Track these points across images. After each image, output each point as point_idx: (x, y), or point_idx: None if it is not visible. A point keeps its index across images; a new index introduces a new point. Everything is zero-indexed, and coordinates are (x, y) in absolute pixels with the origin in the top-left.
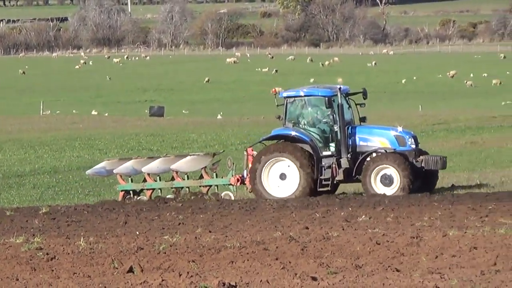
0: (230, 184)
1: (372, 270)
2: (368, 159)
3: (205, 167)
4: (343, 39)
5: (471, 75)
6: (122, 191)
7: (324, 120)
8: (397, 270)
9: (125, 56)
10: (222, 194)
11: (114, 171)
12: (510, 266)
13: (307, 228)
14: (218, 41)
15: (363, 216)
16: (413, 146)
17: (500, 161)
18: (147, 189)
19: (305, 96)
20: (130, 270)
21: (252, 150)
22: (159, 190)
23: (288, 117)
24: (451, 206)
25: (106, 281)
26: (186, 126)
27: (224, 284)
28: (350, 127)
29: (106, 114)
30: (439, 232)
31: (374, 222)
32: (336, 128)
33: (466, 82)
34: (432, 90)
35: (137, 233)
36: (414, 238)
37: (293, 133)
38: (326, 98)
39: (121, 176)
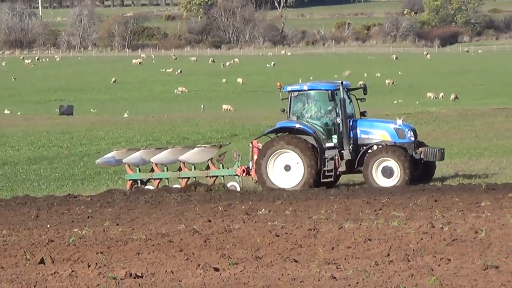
0: (236, 175)
1: (272, 261)
2: (370, 151)
3: (212, 158)
4: (244, 41)
5: (365, 75)
6: (130, 180)
7: (327, 113)
8: (295, 261)
9: (36, 58)
10: (228, 185)
11: (123, 160)
12: (402, 256)
13: (209, 221)
14: (124, 43)
15: (263, 210)
16: (412, 138)
17: None
18: (155, 179)
19: (308, 90)
20: (42, 261)
21: (258, 142)
22: (166, 180)
23: (292, 110)
24: (347, 200)
25: (19, 272)
26: (94, 124)
27: (131, 274)
28: (351, 120)
29: (19, 113)
30: (335, 224)
31: (274, 215)
32: (338, 121)
33: (359, 83)
34: None
35: (48, 226)
36: (311, 230)
37: (297, 125)
38: (329, 92)
39: (129, 165)
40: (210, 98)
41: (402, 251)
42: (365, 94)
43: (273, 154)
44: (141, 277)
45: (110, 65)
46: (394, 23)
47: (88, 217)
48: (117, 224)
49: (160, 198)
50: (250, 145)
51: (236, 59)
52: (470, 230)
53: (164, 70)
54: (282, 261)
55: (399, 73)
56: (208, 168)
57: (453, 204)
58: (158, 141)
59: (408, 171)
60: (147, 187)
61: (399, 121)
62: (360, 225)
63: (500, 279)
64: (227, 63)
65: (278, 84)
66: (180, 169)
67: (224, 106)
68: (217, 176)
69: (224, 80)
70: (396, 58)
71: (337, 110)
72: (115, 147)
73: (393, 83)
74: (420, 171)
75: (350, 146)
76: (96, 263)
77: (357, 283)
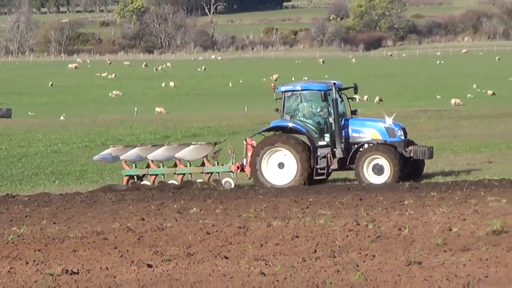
0: (231, 171)
1: (203, 258)
2: (361, 149)
3: (207, 155)
4: (175, 46)
5: (293, 79)
6: (126, 176)
7: (319, 112)
8: (226, 258)
9: None
10: (223, 181)
11: (121, 157)
12: (329, 253)
13: (143, 219)
14: (60, 48)
15: (194, 208)
16: (402, 137)
17: None
18: (151, 175)
19: (301, 90)
20: None
21: (252, 140)
22: (162, 176)
23: (285, 110)
24: (275, 199)
25: None
26: (32, 126)
27: (67, 271)
28: (343, 119)
29: None
30: (264, 222)
31: (205, 214)
32: (330, 120)
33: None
34: (256, 92)
35: None
36: (241, 228)
37: (290, 124)
38: (322, 92)
39: (125, 162)
40: (144, 101)
41: (329, 248)
42: (355, 93)
43: (267, 153)
44: (77, 273)
45: (47, 70)
46: (321, 28)
47: (26, 216)
48: (54, 223)
49: (96, 197)
50: (245, 142)
51: (168, 64)
52: (394, 227)
53: (99, 74)
54: (213, 258)
55: (326, 76)
56: (203, 164)
57: (377, 202)
58: (94, 142)
59: (398, 169)
60: (143, 182)
61: (389, 120)
62: (288, 223)
63: (423, 274)
64: (160, 68)
65: (272, 84)
66: (175, 165)
67: (157, 109)
68: (212, 173)
69: (163, 83)
70: (323, 62)
71: (330, 109)
72: (52, 148)
73: None
74: (409, 169)
75: (342, 145)
76: (34, 260)
77: (285, 278)
